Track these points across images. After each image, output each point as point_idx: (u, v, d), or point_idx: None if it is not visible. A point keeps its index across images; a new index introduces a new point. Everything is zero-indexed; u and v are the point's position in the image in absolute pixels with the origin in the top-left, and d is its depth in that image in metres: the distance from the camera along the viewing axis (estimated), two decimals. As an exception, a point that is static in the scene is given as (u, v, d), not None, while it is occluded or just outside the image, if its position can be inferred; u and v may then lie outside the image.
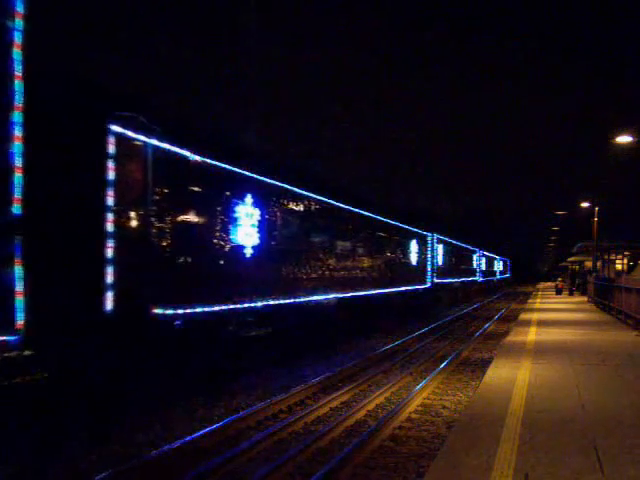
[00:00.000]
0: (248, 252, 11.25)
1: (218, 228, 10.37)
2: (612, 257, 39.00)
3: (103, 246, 7.62)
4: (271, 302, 12.16)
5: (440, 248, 30.94)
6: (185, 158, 9.46)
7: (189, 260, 9.43)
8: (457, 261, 37.79)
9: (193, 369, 9.82)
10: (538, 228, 65.67)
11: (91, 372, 7.57)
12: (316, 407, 9.19)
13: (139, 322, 8.27)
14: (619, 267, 40.15)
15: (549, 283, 78.61)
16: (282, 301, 12.76)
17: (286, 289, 13.02)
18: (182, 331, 9.16)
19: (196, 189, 9.72)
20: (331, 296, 15.77)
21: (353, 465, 6.65)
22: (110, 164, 7.78)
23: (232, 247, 10.75)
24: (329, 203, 16.14)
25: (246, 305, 11.10)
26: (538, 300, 36.17)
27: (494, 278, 67.25)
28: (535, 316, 22.47)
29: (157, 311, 8.51)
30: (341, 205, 17.15)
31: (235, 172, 11.06)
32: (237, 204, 10.95)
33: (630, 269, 38.83)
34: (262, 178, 12.15)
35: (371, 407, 9.52)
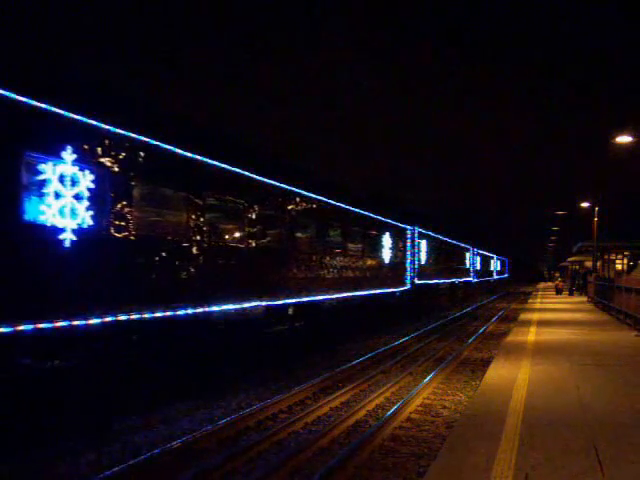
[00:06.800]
0: (67, 238, 7.32)
1: None
2: (612, 257, 39.01)
3: None
4: (124, 317, 8.10)
5: (424, 244, 27.60)
6: None
7: None
8: (446, 259, 34.78)
9: None
10: (538, 228, 65.86)
11: None
12: (316, 407, 9.18)
13: None
14: (619, 267, 40.16)
15: (549, 283, 78.73)
16: (150, 315, 8.60)
17: (158, 295, 8.96)
18: None
19: None
20: (254, 304, 11.68)
21: (353, 465, 6.65)
22: None
23: (28, 230, 6.92)
24: (246, 176, 11.74)
25: (60, 324, 7.09)
26: (538, 300, 36.19)
27: (491, 278, 65.19)
28: (535, 316, 22.48)
29: None
30: (274, 182, 12.94)
31: (36, 107, 7.04)
32: (43, 160, 7.11)
33: (630, 269, 38.81)
34: (102, 125, 8.02)
35: (371, 407, 9.52)
